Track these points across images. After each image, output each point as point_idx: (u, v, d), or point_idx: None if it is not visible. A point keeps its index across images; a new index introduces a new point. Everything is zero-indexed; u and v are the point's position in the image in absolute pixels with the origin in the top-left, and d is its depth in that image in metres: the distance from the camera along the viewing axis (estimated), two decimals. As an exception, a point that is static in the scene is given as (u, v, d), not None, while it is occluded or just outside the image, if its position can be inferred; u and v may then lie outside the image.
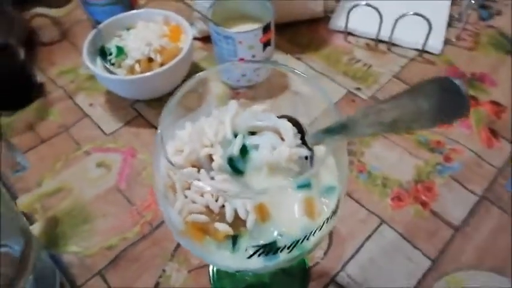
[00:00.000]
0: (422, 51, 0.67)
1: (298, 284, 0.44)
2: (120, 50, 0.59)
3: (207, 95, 0.35)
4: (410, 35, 0.67)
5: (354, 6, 0.66)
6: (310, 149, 0.29)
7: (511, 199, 0.49)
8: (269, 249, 0.25)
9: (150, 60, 0.58)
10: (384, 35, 0.68)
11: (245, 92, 0.40)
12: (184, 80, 0.32)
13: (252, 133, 0.30)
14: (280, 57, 0.68)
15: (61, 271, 0.46)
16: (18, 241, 0.39)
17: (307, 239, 0.26)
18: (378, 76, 0.65)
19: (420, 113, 0.17)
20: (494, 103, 0.60)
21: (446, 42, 0.68)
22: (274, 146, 0.28)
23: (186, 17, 0.63)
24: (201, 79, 0.32)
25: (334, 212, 0.27)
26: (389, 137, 0.56)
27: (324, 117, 0.29)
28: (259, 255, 0.25)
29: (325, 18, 0.74)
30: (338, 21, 0.72)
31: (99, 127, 0.60)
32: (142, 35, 0.59)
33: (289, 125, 0.29)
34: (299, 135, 0.30)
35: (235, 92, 0.41)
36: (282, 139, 0.29)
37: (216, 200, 0.26)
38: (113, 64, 0.59)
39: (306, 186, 0.27)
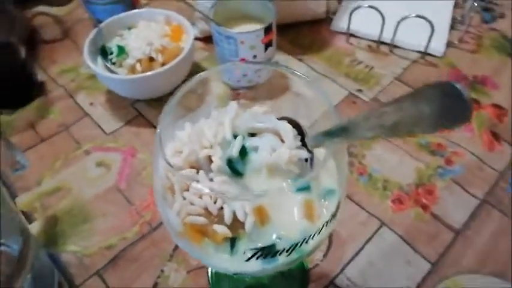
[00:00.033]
0: (424, 54, 0.67)
1: (298, 285, 0.44)
2: (121, 50, 0.59)
3: (207, 96, 0.35)
4: (413, 37, 0.67)
5: (356, 8, 0.66)
6: (310, 151, 0.29)
7: (511, 202, 0.49)
8: (268, 252, 0.25)
9: (151, 59, 0.58)
10: (386, 36, 0.67)
11: (246, 93, 0.40)
12: (185, 80, 0.32)
13: (252, 135, 0.30)
14: (282, 58, 0.68)
15: (59, 270, 0.45)
16: (17, 240, 0.38)
17: (306, 242, 0.26)
18: (379, 78, 0.64)
19: (421, 117, 0.17)
20: (496, 106, 0.60)
21: (449, 44, 0.68)
22: (274, 148, 0.28)
23: (187, 16, 0.63)
24: (202, 79, 0.32)
25: (333, 216, 0.27)
26: (390, 140, 0.56)
27: (325, 120, 0.29)
28: (257, 258, 0.25)
29: (327, 19, 0.73)
30: (340, 23, 0.72)
31: (99, 126, 0.60)
32: (144, 35, 0.59)
33: (289, 126, 0.29)
34: (299, 137, 0.29)
35: (235, 93, 0.41)
36: (282, 141, 0.29)
37: (215, 202, 0.25)
38: (113, 63, 0.59)
39: (305, 188, 0.27)
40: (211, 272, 0.45)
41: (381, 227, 0.48)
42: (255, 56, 0.58)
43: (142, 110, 0.61)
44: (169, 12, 0.63)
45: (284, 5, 0.65)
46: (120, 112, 0.61)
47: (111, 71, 0.58)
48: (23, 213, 0.51)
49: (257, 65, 0.44)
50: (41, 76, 0.67)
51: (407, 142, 0.55)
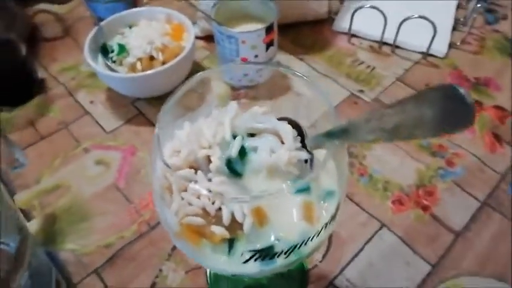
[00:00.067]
0: (426, 54, 0.66)
1: (297, 286, 0.44)
2: (122, 48, 0.58)
3: (207, 95, 0.35)
4: (415, 37, 0.67)
5: (358, 8, 0.66)
6: (310, 152, 0.28)
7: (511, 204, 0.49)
8: (266, 254, 0.25)
9: (152, 58, 0.58)
10: (388, 37, 0.67)
11: (246, 92, 0.40)
12: (186, 79, 0.32)
13: (252, 135, 0.30)
14: (283, 57, 0.68)
15: (57, 268, 0.45)
16: (14, 238, 0.38)
17: (305, 244, 0.25)
18: (381, 79, 0.64)
19: (423, 120, 0.17)
20: (498, 108, 0.59)
21: (451, 45, 0.68)
22: (274, 149, 0.28)
23: (189, 15, 0.63)
24: (202, 79, 0.32)
25: (333, 218, 0.27)
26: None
27: (325, 120, 0.28)
28: (255, 260, 0.25)
29: (329, 19, 0.73)
30: (342, 23, 0.72)
31: (99, 124, 0.60)
32: (145, 33, 0.59)
33: (289, 127, 0.29)
34: (299, 138, 0.29)
35: (236, 92, 0.40)
36: (282, 142, 0.29)
37: (213, 203, 0.25)
38: (114, 62, 0.59)
39: (305, 190, 0.26)
40: (210, 272, 0.44)
41: (381, 228, 0.48)
42: (256, 56, 0.57)
43: (143, 109, 0.61)
44: (170, 11, 0.63)
45: (286, 4, 0.64)
46: (120, 110, 0.61)
47: (112, 70, 0.58)
48: (22, 211, 0.50)
49: (258, 66, 0.44)
50: (41, 74, 0.67)
51: (408, 143, 0.55)
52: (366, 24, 0.69)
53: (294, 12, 0.69)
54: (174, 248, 0.46)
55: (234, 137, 0.28)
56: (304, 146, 0.29)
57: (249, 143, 0.28)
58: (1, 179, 0.53)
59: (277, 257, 0.25)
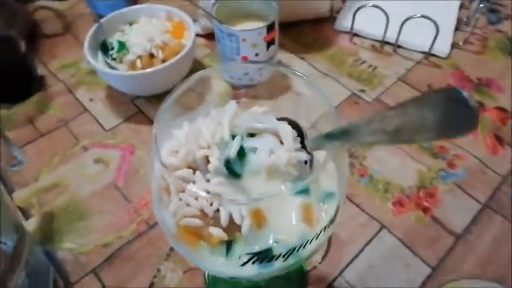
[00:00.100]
0: (428, 54, 0.66)
1: (295, 288, 0.43)
2: (122, 45, 0.58)
3: (207, 94, 0.35)
4: (417, 37, 0.66)
5: (361, 7, 0.65)
6: (309, 153, 0.28)
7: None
8: (264, 256, 0.25)
9: (152, 56, 0.57)
10: (390, 36, 0.67)
11: (247, 91, 0.40)
12: (186, 77, 0.32)
13: (251, 135, 0.29)
14: (284, 56, 0.67)
15: (55, 267, 0.45)
16: (11, 237, 0.38)
17: (304, 247, 0.25)
18: (382, 78, 0.64)
19: (425, 123, 0.16)
20: (501, 109, 0.59)
21: (454, 45, 0.67)
22: (273, 149, 0.27)
23: (189, 13, 0.62)
24: (201, 77, 0.31)
25: (332, 220, 0.27)
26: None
27: (325, 121, 0.28)
28: (253, 263, 0.25)
29: (330, 18, 0.73)
30: (344, 22, 0.71)
31: (98, 122, 0.59)
32: (145, 31, 0.58)
33: (289, 128, 0.28)
34: (299, 139, 0.29)
35: (236, 91, 0.40)
36: (282, 142, 0.28)
37: (211, 204, 0.25)
38: (114, 59, 0.59)
39: (304, 191, 0.26)
40: (208, 273, 0.44)
41: (381, 229, 0.47)
42: (256, 54, 0.57)
43: (143, 107, 0.61)
44: (171, 8, 0.62)
45: (287, 3, 0.64)
46: (119, 108, 0.61)
47: (111, 67, 0.58)
48: (20, 209, 0.50)
49: (258, 65, 0.43)
50: (41, 70, 0.67)
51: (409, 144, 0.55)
52: (368, 23, 0.68)
53: (295, 11, 0.69)
54: (172, 247, 0.46)
55: (233, 137, 0.28)
56: (303, 146, 0.29)
57: (248, 143, 0.28)
58: (0, 177, 0.53)
59: (275, 260, 0.25)
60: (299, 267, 0.44)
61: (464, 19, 0.71)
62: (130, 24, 0.62)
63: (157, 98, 0.61)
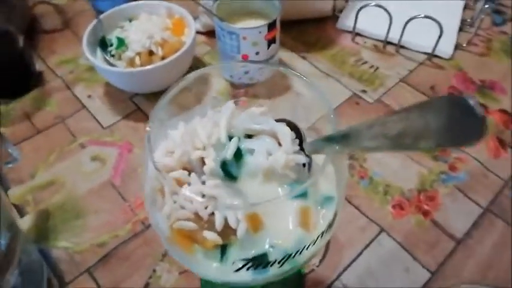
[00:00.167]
0: (431, 55, 0.65)
1: (292, 291, 0.43)
2: (121, 42, 0.57)
3: (205, 93, 0.34)
4: (420, 38, 0.65)
5: (363, 6, 0.64)
6: (308, 156, 0.27)
7: (513, 211, 0.48)
8: (259, 262, 0.24)
9: (151, 53, 0.57)
10: (393, 37, 0.66)
11: (246, 90, 0.39)
12: (186, 75, 0.31)
13: (249, 136, 0.28)
14: (285, 55, 0.66)
15: (49, 266, 0.44)
16: (4, 235, 0.37)
17: (300, 253, 0.24)
18: (384, 79, 0.63)
19: (428, 130, 0.16)
20: (504, 112, 0.58)
21: (457, 47, 0.67)
22: (271, 151, 0.27)
23: (190, 10, 0.61)
24: (199, 76, 0.30)
25: (330, 226, 0.26)
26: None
27: (324, 123, 0.27)
28: (247, 269, 0.24)
29: (333, 17, 0.72)
30: (346, 21, 0.70)
31: (96, 120, 0.59)
32: (144, 27, 0.57)
33: (288, 129, 0.28)
34: (297, 141, 0.28)
35: (236, 89, 0.39)
36: (280, 144, 0.28)
37: (206, 207, 0.24)
38: (113, 56, 0.58)
39: (301, 195, 0.25)
40: (204, 274, 0.43)
41: (380, 232, 0.47)
42: (257, 53, 0.56)
43: (141, 104, 0.60)
44: (171, 5, 0.62)
45: (290, 1, 0.63)
46: (118, 106, 0.60)
47: (110, 64, 0.57)
48: (15, 206, 0.50)
49: (258, 64, 0.42)
50: (39, 66, 0.66)
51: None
52: (371, 23, 0.67)
53: (297, 9, 0.68)
54: (168, 248, 0.46)
55: (230, 138, 0.27)
56: (302, 149, 0.28)
57: (246, 144, 0.27)
58: (-5, 173, 0.52)
59: (271, 266, 0.24)
60: (297, 270, 0.43)
61: (469, 20, 0.70)
62: (130, 20, 0.61)
63: (156, 96, 0.59)
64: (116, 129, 0.57)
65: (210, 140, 0.26)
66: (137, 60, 0.56)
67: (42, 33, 0.72)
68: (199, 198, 0.24)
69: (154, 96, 0.60)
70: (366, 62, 0.66)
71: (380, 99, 0.60)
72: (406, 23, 0.62)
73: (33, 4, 0.77)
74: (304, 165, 0.27)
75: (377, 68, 0.65)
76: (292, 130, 0.28)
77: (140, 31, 0.57)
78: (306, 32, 0.70)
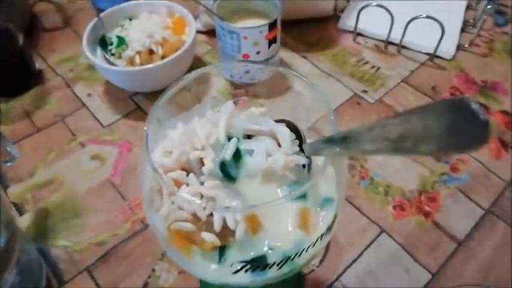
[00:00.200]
0: (433, 56, 0.65)
1: (292, 291, 0.43)
2: (121, 40, 0.57)
3: (206, 92, 0.34)
4: (422, 38, 0.65)
5: (365, 6, 0.64)
6: (307, 157, 0.27)
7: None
8: (257, 265, 0.24)
9: (151, 52, 0.56)
10: (395, 37, 0.65)
11: (247, 90, 0.39)
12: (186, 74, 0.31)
13: (248, 137, 0.28)
14: (286, 55, 0.66)
15: (48, 265, 0.44)
16: (3, 233, 0.37)
17: (299, 255, 0.24)
18: (385, 79, 0.62)
19: (429, 133, 0.15)
20: (505, 113, 0.58)
21: (459, 47, 0.66)
22: (270, 152, 0.26)
23: (191, 9, 0.61)
24: (198, 76, 0.30)
25: (329, 228, 0.26)
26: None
27: (324, 123, 0.27)
28: (246, 271, 0.24)
29: (334, 17, 0.72)
30: (348, 21, 0.70)
31: (96, 118, 0.58)
32: (144, 26, 0.57)
33: (287, 130, 0.27)
34: (297, 142, 0.28)
35: (236, 89, 0.39)
36: (279, 144, 0.27)
37: (204, 208, 0.24)
38: (113, 54, 0.58)
39: (301, 196, 0.25)
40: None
41: (380, 233, 0.46)
42: (258, 52, 0.56)
43: (141, 103, 0.60)
44: (171, 4, 0.61)
45: (291, 1, 0.63)
46: (118, 104, 0.60)
47: (110, 62, 0.57)
48: (14, 204, 0.49)
49: (258, 65, 0.42)
50: (39, 64, 0.66)
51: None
52: (372, 23, 0.67)
53: (298, 9, 0.68)
54: (167, 248, 0.45)
55: (229, 138, 0.27)
56: (302, 149, 0.28)
57: (245, 145, 0.27)
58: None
59: (269, 268, 0.24)
60: (296, 270, 0.43)
61: (471, 20, 0.70)
62: (130, 19, 0.61)
63: (157, 95, 0.59)
64: (115, 128, 0.57)
65: (209, 141, 0.26)
66: (137, 59, 0.56)
67: (43, 31, 0.72)
68: (198, 200, 0.24)
69: (155, 95, 0.59)
70: (367, 62, 0.65)
71: (381, 99, 0.60)
72: (408, 23, 0.62)
73: (34, 2, 0.76)
74: (304, 166, 0.27)
75: (378, 68, 0.64)
76: (292, 131, 0.28)
77: (140, 30, 0.57)
78: (307, 32, 0.70)
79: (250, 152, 0.27)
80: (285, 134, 0.27)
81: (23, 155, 0.54)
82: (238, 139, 0.27)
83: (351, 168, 0.52)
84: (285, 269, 0.25)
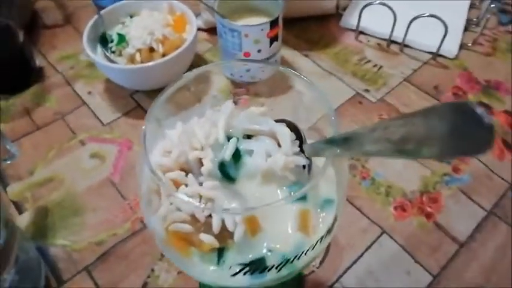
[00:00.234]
0: (436, 55, 0.64)
1: (292, 292, 0.42)
2: (122, 38, 0.57)
3: (206, 91, 0.33)
4: (425, 37, 0.64)
5: (367, 4, 0.64)
6: (308, 158, 0.27)
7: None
8: (256, 267, 0.23)
9: (152, 50, 0.56)
10: (397, 35, 0.65)
11: (247, 88, 0.38)
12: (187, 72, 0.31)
13: (248, 137, 0.28)
14: (287, 53, 0.66)
15: (47, 264, 0.44)
16: (2, 232, 0.37)
17: (298, 258, 0.24)
18: (388, 78, 0.62)
19: (431, 136, 0.15)
20: (509, 113, 0.57)
21: (462, 46, 0.66)
22: (270, 153, 0.26)
23: (192, 7, 0.61)
24: (198, 75, 0.30)
25: (329, 230, 0.25)
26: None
27: (325, 123, 0.27)
28: (244, 274, 0.23)
29: (336, 15, 0.71)
30: (350, 19, 0.69)
31: (96, 116, 0.58)
32: (145, 24, 0.57)
33: (287, 130, 0.27)
34: (297, 142, 0.27)
35: (237, 88, 0.39)
36: (279, 145, 0.27)
37: (203, 210, 0.23)
38: (113, 52, 0.58)
39: (301, 198, 0.25)
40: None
41: (381, 234, 0.46)
42: (259, 51, 0.56)
43: (141, 101, 0.60)
44: (172, 1, 0.61)
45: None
46: (118, 102, 0.60)
47: (110, 60, 0.56)
48: (14, 203, 0.49)
49: (257, 64, 0.42)
50: (39, 62, 0.66)
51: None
52: (375, 21, 0.67)
53: (300, 7, 0.67)
54: (167, 247, 0.45)
55: (229, 138, 0.26)
56: (302, 150, 0.27)
57: (244, 145, 0.27)
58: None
59: (268, 271, 0.24)
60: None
61: (474, 19, 0.69)
62: (131, 16, 0.60)
63: (157, 93, 0.58)
64: (115, 126, 0.57)
65: (208, 141, 0.26)
66: (138, 57, 0.55)
67: (43, 29, 0.72)
68: (196, 202, 0.23)
69: (155, 93, 0.59)
70: (369, 61, 0.65)
71: (383, 98, 0.59)
72: (411, 21, 0.61)
73: (35, -1, 0.76)
74: (304, 167, 0.27)
75: (380, 67, 0.64)
76: (292, 131, 0.27)
77: (141, 27, 0.56)
78: (308, 30, 0.69)
79: (250, 152, 0.26)
80: (285, 134, 0.27)
81: (23, 153, 0.53)
82: (237, 139, 0.26)
83: (352, 168, 0.52)
84: (284, 271, 0.24)
